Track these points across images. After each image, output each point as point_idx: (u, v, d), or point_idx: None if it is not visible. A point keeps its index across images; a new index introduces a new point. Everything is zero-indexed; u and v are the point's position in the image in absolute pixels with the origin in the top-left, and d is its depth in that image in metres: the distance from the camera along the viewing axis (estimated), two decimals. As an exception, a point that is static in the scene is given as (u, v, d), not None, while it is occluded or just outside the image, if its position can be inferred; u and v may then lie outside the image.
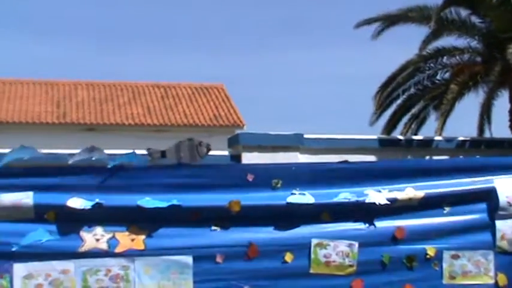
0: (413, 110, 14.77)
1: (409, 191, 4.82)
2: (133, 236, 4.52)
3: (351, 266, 4.72)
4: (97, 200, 4.44)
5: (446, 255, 4.85)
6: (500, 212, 4.90)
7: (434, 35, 13.82)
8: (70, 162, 4.63)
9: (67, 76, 27.15)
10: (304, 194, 4.69)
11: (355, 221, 4.78)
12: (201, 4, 44.91)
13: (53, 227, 4.45)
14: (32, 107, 24.87)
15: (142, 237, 4.53)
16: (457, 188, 4.92)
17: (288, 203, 4.65)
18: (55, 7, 43.13)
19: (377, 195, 4.75)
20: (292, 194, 4.70)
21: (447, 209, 4.91)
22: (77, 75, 28.12)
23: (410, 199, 4.81)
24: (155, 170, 4.73)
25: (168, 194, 4.56)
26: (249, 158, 7.58)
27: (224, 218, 4.62)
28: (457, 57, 14.16)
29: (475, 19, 13.68)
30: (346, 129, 23.26)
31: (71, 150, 7.73)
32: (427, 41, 13.83)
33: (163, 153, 4.73)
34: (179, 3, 45.61)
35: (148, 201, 4.49)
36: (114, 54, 41.21)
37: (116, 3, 43.88)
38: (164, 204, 4.48)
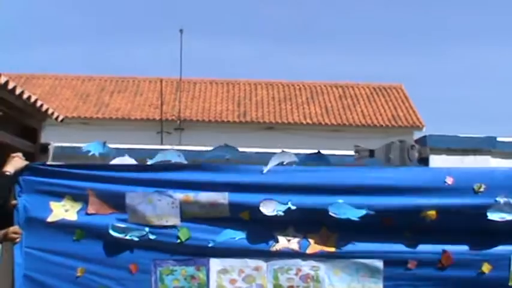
0: None
1: None
2: (324, 238, 4.52)
3: None
4: (289, 204, 4.46)
5: None
6: None
7: None
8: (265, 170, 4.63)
9: (247, 76, 27.89)
10: (509, 204, 4.38)
11: None
12: (379, 3, 44.45)
13: (247, 226, 4.55)
14: (214, 105, 25.86)
15: (333, 239, 4.51)
16: None
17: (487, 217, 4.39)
18: (237, 8, 44.57)
19: None
20: (496, 201, 4.41)
21: None
22: (256, 75, 28.82)
23: None
24: (344, 170, 4.67)
25: (360, 196, 4.48)
26: (437, 160, 7.33)
27: (418, 224, 4.47)
28: None
29: None
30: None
31: (251, 149, 7.94)
32: None
33: (371, 152, 4.70)
34: (350, 2, 45.39)
35: (340, 208, 4.43)
36: (293, 54, 41.91)
37: (296, 4, 44.52)
38: (355, 217, 4.40)
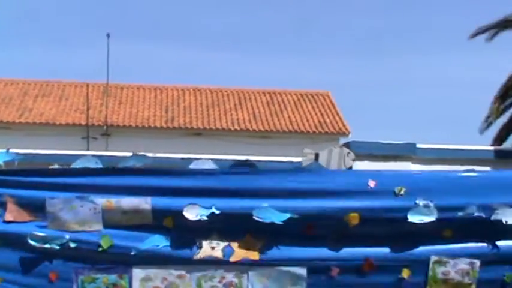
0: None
1: None
2: (249, 246, 4.52)
3: (469, 284, 4.52)
4: (213, 209, 4.44)
5: None
6: None
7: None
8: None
9: (175, 81, 27.75)
10: (428, 206, 4.49)
11: (479, 238, 4.55)
12: (307, 10, 45.04)
13: (170, 233, 4.51)
14: (142, 111, 25.62)
15: (258, 246, 4.52)
16: None
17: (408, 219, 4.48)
18: (164, 13, 44.34)
19: (506, 210, 4.49)
20: (415, 204, 4.50)
21: None
22: (184, 81, 28.70)
23: None
24: (270, 175, 4.68)
25: (284, 200, 4.49)
26: (360, 167, 7.43)
27: (341, 230, 4.52)
28: None
29: None
30: (455, 137, 22.59)
31: (178, 155, 7.90)
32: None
33: (316, 156, 4.77)
34: (284, 9, 45.86)
35: (265, 212, 4.45)
36: (221, 60, 41.94)
37: (223, 11, 44.62)
38: (279, 220, 4.42)
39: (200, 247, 4.50)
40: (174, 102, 26.43)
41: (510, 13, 13.55)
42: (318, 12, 45.21)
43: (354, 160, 4.72)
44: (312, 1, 45.62)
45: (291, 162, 7.11)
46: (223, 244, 4.51)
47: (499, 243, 4.55)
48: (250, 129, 25.09)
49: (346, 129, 25.34)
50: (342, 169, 5.03)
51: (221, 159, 4.93)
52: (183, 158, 6.46)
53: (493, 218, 4.48)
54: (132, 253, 4.46)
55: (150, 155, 4.95)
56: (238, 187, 4.54)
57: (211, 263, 4.49)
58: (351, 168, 7.10)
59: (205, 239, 4.50)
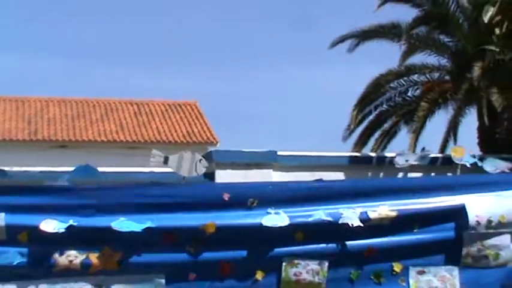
0: (385, 126, 14.93)
1: (383, 211, 4.88)
2: (107, 257, 4.54)
3: (319, 284, 4.77)
4: (71, 222, 4.44)
5: (412, 271, 4.92)
6: (469, 231, 4.97)
7: (408, 53, 14.05)
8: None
9: (38, 92, 26.87)
10: (279, 213, 4.72)
11: (328, 240, 4.83)
12: (173, 20, 44.95)
13: (26, 248, 4.46)
14: (3, 123, 24.65)
15: (116, 257, 4.56)
16: (428, 207, 5.00)
17: (262, 224, 4.68)
18: (26, 22, 42.93)
19: (351, 215, 4.79)
20: (267, 213, 4.73)
21: (417, 227, 4.97)
22: (48, 92, 27.81)
23: (383, 219, 4.87)
24: (129, 189, 4.74)
25: (142, 214, 4.58)
26: (222, 175, 7.56)
27: (199, 239, 4.65)
28: (427, 75, 14.37)
29: (444, 38, 13.91)
30: (325, 146, 23.36)
31: (42, 168, 7.71)
32: (402, 58, 14.06)
33: (166, 159, 4.80)
34: (150, 19, 45.66)
35: (123, 223, 4.49)
36: (86, 70, 41.02)
37: (85, 19, 43.76)
38: (138, 228, 4.48)
39: (57, 260, 4.47)
40: (38, 113, 25.60)
41: (370, 24, 14.22)
42: (183, 22, 45.28)
43: (206, 167, 4.83)
44: (177, 10, 45.65)
45: (154, 173, 7.13)
46: (81, 256, 4.51)
47: (346, 244, 4.84)
48: (118, 140, 24.74)
49: (215, 139, 25.53)
50: (198, 182, 5.17)
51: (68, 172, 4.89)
52: (41, 171, 6.32)
53: (340, 221, 4.78)
54: None
55: (6, 168, 4.84)
56: (94, 203, 4.58)
57: (70, 275, 4.49)
58: (210, 174, 7.24)
59: (63, 252, 4.50)
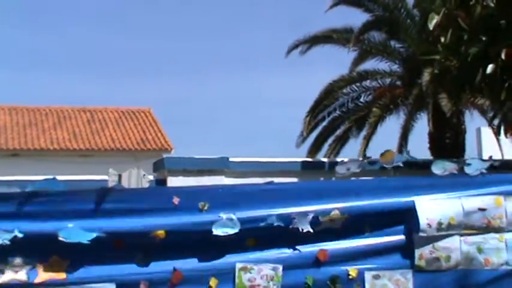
0: (338, 132, 15.06)
1: (333, 213, 4.88)
2: (54, 266, 4.45)
3: None
4: (16, 232, 4.34)
5: (367, 275, 4.94)
6: (420, 234, 5.02)
7: (360, 58, 14.20)
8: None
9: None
10: (231, 219, 4.68)
11: (280, 245, 4.81)
12: (124, 28, 44.64)
13: None
14: (-50, 132, 24.14)
15: (64, 266, 4.46)
16: (378, 209, 5.01)
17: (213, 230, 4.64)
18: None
19: (302, 218, 4.78)
20: (219, 217, 4.68)
21: (368, 230, 5.00)
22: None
23: (333, 220, 4.88)
24: (77, 195, 4.66)
25: (91, 220, 4.50)
26: (175, 182, 7.52)
27: (148, 245, 4.58)
28: (379, 81, 14.56)
29: (395, 43, 14.11)
30: (281, 153, 23.40)
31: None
32: (355, 64, 14.20)
33: (119, 177, 4.83)
34: (104, 27, 45.27)
35: (70, 234, 4.41)
36: (38, 78, 40.42)
37: (36, 28, 43.15)
38: (85, 240, 4.41)
39: (2, 272, 4.37)
40: (-13, 122, 25.14)
41: (323, 29, 14.32)
42: (134, 29, 45.01)
43: (149, 182, 4.88)
44: (128, 18, 45.38)
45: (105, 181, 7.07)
46: (27, 267, 4.41)
47: (298, 248, 4.84)
48: (71, 148, 24.44)
49: (169, 146, 25.41)
50: (146, 187, 5.14)
51: (32, 181, 4.80)
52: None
53: (291, 226, 4.77)
54: None
55: None
56: (42, 209, 4.48)
57: (16, 286, 4.37)
58: (162, 182, 7.19)
59: (8, 263, 4.38)
